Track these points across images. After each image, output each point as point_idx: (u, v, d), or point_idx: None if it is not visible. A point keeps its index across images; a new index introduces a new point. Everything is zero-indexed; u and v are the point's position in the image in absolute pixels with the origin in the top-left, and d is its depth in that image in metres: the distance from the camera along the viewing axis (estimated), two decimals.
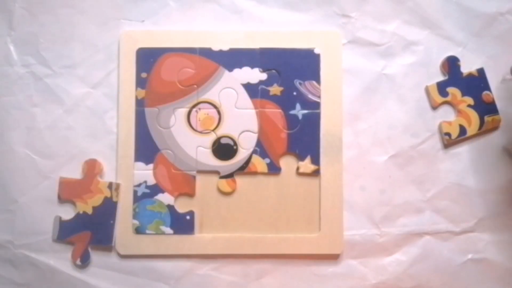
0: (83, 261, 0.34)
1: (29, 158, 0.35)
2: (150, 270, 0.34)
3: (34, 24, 0.36)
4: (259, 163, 0.35)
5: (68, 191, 0.35)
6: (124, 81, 0.35)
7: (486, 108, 0.34)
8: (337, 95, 0.35)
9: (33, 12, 0.36)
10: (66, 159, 0.35)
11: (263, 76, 0.35)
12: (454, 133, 0.34)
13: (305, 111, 0.35)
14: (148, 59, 0.35)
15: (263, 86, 0.35)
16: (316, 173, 0.35)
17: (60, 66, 0.36)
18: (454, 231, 0.35)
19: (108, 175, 0.35)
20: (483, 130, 0.34)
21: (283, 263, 0.35)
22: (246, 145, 0.35)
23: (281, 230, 0.34)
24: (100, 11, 0.36)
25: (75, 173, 0.35)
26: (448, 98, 0.35)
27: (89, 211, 0.34)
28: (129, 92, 0.35)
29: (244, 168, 0.35)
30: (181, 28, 0.36)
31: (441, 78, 0.35)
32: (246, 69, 0.35)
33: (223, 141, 0.35)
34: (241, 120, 0.35)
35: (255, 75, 0.35)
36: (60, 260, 0.35)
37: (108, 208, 0.34)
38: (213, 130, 0.35)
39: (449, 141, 0.34)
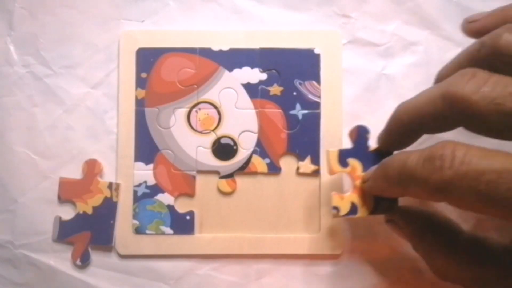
0: (83, 261, 0.34)
1: (29, 158, 0.35)
2: (150, 270, 0.34)
3: (34, 24, 0.36)
4: (259, 163, 0.35)
5: (68, 191, 0.35)
6: (124, 81, 0.35)
7: None
8: (337, 95, 0.35)
9: (33, 12, 0.36)
10: (66, 159, 0.35)
11: (263, 76, 0.35)
12: (344, 209, 0.30)
13: (305, 111, 0.35)
14: (148, 59, 0.35)
15: (263, 86, 0.35)
16: (316, 173, 0.35)
17: (60, 66, 0.36)
18: None
19: (108, 175, 0.35)
20: (378, 213, 0.30)
21: (283, 263, 0.35)
22: (246, 145, 0.35)
23: (281, 230, 0.34)
24: (100, 11, 0.36)
25: (75, 173, 0.35)
26: (347, 169, 0.31)
27: (89, 211, 0.34)
28: (129, 92, 0.35)
29: (244, 168, 0.35)
30: (181, 28, 0.36)
31: None
32: (246, 69, 0.35)
33: (223, 141, 0.35)
34: (241, 120, 0.35)
35: (255, 75, 0.35)
36: (60, 260, 0.35)
37: (108, 208, 0.34)
38: (213, 130, 0.35)
39: (335, 216, 0.31)
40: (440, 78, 0.28)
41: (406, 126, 0.27)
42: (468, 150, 0.23)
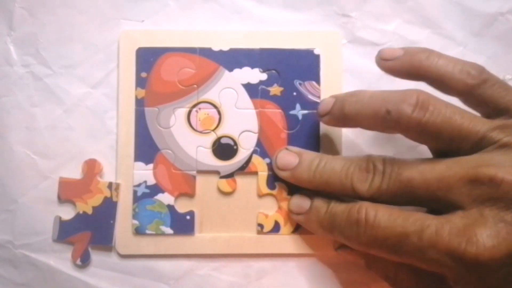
0: (83, 261, 0.34)
1: (29, 158, 0.35)
2: (150, 270, 0.34)
3: (34, 24, 0.36)
4: (259, 163, 0.35)
5: (68, 191, 0.35)
6: (123, 81, 0.35)
7: None
8: None
9: (33, 12, 0.36)
10: (66, 159, 0.35)
11: (263, 76, 0.35)
12: (267, 227, 0.34)
13: (305, 111, 0.35)
14: (148, 58, 0.35)
15: (263, 86, 0.35)
16: None
17: (60, 66, 0.36)
18: None
19: (108, 175, 0.35)
20: (300, 231, 0.34)
21: (283, 263, 0.34)
22: (246, 145, 0.35)
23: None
24: (100, 11, 0.36)
25: (75, 173, 0.35)
26: (274, 192, 0.34)
27: (89, 211, 0.34)
28: (129, 92, 0.35)
29: (244, 168, 0.35)
30: (181, 28, 0.36)
31: None
32: (246, 69, 0.35)
33: (223, 141, 0.35)
34: (241, 120, 0.35)
35: (255, 75, 0.35)
36: (60, 260, 0.35)
37: (108, 208, 0.34)
38: (213, 130, 0.35)
39: (259, 232, 0.34)
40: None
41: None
42: (377, 212, 0.27)
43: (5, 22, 0.36)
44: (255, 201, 0.35)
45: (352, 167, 0.29)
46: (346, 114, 0.29)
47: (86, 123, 0.35)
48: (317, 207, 0.31)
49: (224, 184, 0.35)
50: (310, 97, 0.35)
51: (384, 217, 0.27)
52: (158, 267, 0.34)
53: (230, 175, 0.35)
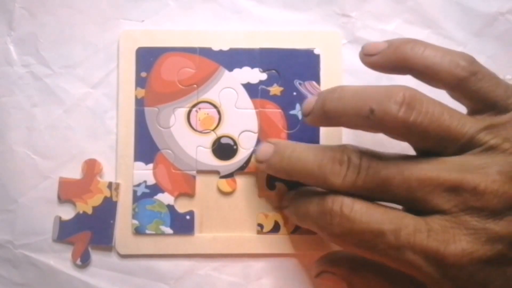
0: (83, 261, 0.34)
1: (29, 158, 0.35)
2: (150, 270, 0.34)
3: (34, 24, 0.36)
4: None
5: (67, 191, 0.35)
6: (123, 80, 0.35)
7: None
8: None
9: (33, 12, 0.36)
10: (66, 159, 0.35)
11: (263, 76, 0.35)
12: (267, 227, 0.34)
13: None
14: (147, 58, 0.35)
15: (263, 86, 0.35)
16: None
17: (60, 66, 0.36)
18: None
19: (108, 175, 0.35)
20: (300, 232, 0.34)
21: (283, 263, 0.34)
22: (246, 145, 0.35)
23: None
24: (100, 11, 0.36)
25: (75, 173, 0.35)
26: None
27: (89, 211, 0.34)
28: (129, 91, 0.35)
29: (244, 168, 0.35)
30: (181, 28, 0.36)
31: None
32: (246, 69, 0.35)
33: (223, 141, 0.35)
34: (241, 120, 0.35)
35: (255, 75, 0.35)
36: (60, 260, 0.35)
37: (108, 208, 0.34)
38: (213, 130, 0.35)
39: (259, 232, 0.34)
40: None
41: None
42: (354, 205, 0.26)
43: (5, 22, 0.36)
44: (255, 201, 0.35)
45: (325, 159, 0.27)
46: (327, 112, 0.27)
47: (86, 123, 0.35)
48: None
49: (224, 184, 0.35)
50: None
51: (362, 210, 0.25)
52: (158, 267, 0.34)
53: (230, 175, 0.35)
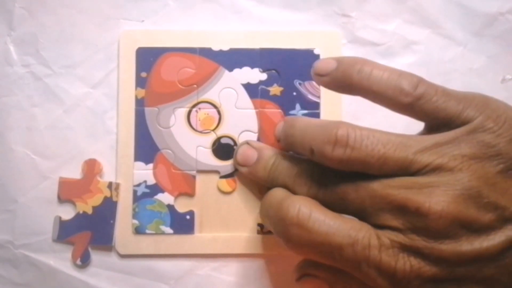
0: (83, 261, 0.34)
1: (29, 158, 0.35)
2: (150, 270, 0.34)
3: (34, 24, 0.36)
4: None
5: (67, 191, 0.35)
6: (123, 80, 0.35)
7: None
8: (337, 95, 0.35)
9: (33, 12, 0.36)
10: (66, 159, 0.35)
11: (263, 76, 0.35)
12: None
13: (305, 111, 0.35)
14: (148, 58, 0.35)
15: (263, 86, 0.35)
16: None
17: (60, 66, 0.36)
18: None
19: (108, 175, 0.35)
20: None
21: (282, 263, 0.34)
22: None
23: None
24: (100, 11, 0.36)
25: (75, 173, 0.35)
26: None
27: (89, 211, 0.34)
28: (129, 91, 0.35)
29: None
30: (181, 28, 0.36)
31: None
32: (246, 69, 0.35)
33: (223, 141, 0.35)
34: (241, 120, 0.35)
35: (255, 75, 0.35)
36: (60, 260, 0.35)
37: (108, 208, 0.34)
38: (213, 130, 0.35)
39: (259, 232, 0.34)
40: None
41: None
42: (312, 212, 0.26)
43: (5, 22, 0.36)
44: (255, 201, 0.35)
45: (297, 171, 0.29)
46: (285, 144, 0.31)
47: (86, 123, 0.35)
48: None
49: (224, 184, 0.35)
50: (310, 97, 0.35)
51: (320, 219, 0.26)
52: (158, 267, 0.34)
53: (230, 175, 0.35)
